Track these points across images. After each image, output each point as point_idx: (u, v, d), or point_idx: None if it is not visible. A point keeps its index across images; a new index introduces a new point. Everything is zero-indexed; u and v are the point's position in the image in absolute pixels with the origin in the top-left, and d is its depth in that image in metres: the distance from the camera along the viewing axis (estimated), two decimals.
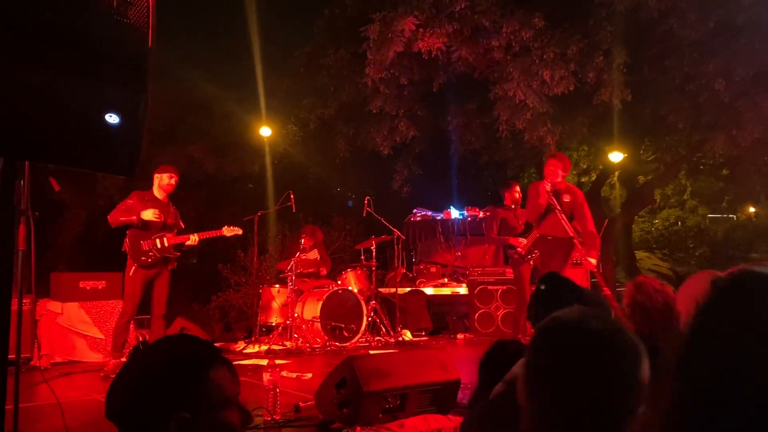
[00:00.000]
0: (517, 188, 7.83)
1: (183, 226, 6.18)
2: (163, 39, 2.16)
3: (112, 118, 2.07)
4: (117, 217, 5.81)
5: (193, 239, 6.03)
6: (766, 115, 9.94)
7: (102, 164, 2.16)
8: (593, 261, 6.22)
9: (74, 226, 11.77)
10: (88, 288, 6.89)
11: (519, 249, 7.21)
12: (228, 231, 6.38)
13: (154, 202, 5.94)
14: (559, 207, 6.16)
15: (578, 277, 8.44)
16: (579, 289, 2.26)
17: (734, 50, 9.52)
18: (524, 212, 7.57)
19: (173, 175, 6.06)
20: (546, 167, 6.52)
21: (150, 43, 2.07)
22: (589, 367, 1.07)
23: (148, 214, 5.81)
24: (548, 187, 6.22)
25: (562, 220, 6.11)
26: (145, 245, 5.80)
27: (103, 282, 6.97)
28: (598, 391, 1.05)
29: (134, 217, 5.78)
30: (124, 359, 5.87)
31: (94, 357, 6.64)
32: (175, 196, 6.24)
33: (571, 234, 6.13)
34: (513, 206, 7.65)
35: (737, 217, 24.37)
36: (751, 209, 23.75)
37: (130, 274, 5.77)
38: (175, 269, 6.12)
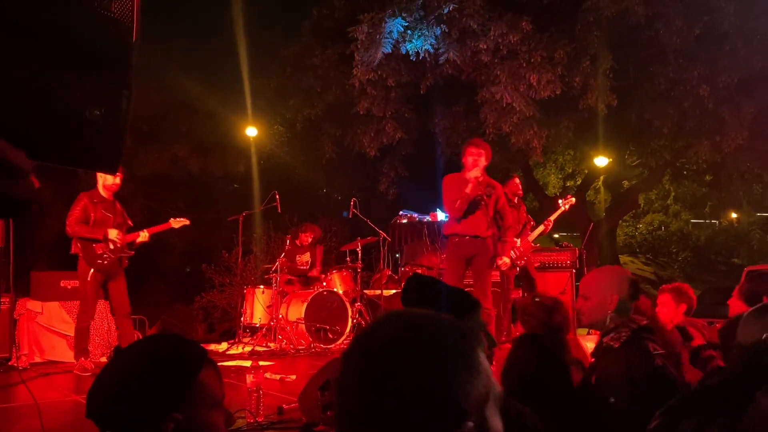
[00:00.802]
0: (516, 180, 7.73)
1: (131, 224, 6.18)
2: (147, 36, 2.12)
3: (93, 114, 2.01)
4: (81, 232, 5.73)
5: (144, 236, 6.05)
6: (750, 121, 10.07)
7: (83, 161, 2.10)
8: (507, 261, 5.84)
9: (55, 224, 11.61)
10: (69, 287, 6.78)
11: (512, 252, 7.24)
12: (175, 222, 6.38)
13: (103, 203, 5.90)
14: (485, 201, 5.46)
15: (563, 281, 8.45)
16: (443, 292, 2.19)
17: (718, 57, 9.64)
18: (523, 210, 7.57)
19: (119, 174, 5.98)
20: (466, 157, 5.53)
21: (134, 38, 2.02)
22: (373, 371, 0.86)
23: (114, 234, 5.81)
24: (478, 173, 5.36)
25: (487, 217, 5.48)
26: (98, 248, 5.78)
27: None
28: (397, 397, 0.83)
29: (100, 236, 5.76)
30: (104, 359, 5.82)
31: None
32: (158, 195, 6.20)
33: (491, 233, 5.53)
34: (515, 201, 7.54)
35: (720, 222, 24.67)
36: (733, 215, 24.07)
37: (88, 278, 5.75)
38: (158, 268, 6.08)
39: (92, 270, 5.76)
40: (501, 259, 5.72)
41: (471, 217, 5.46)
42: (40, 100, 1.91)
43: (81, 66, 1.96)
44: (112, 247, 5.82)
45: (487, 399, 0.87)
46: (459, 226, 5.49)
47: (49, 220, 11.42)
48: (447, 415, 0.83)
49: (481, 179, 5.39)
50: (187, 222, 6.54)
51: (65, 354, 6.53)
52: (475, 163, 5.44)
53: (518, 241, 7.11)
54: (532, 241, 7.42)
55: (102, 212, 5.86)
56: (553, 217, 7.56)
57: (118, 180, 5.95)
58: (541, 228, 7.36)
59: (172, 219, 6.41)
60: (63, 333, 6.60)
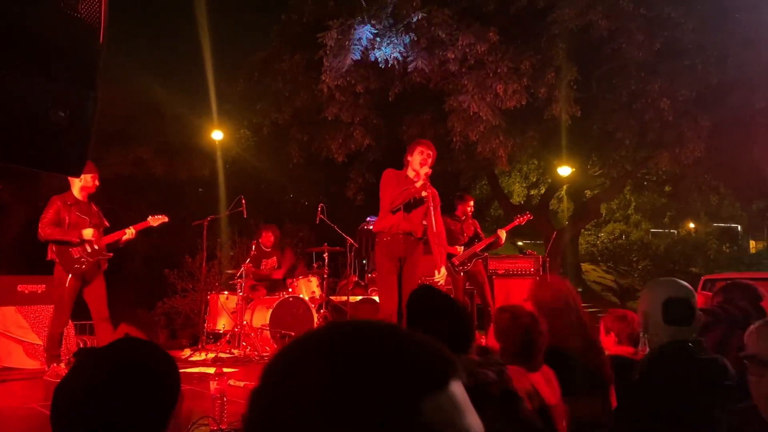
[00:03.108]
0: (471, 202, 7.90)
1: (108, 225, 5.93)
2: (113, 37, 2.09)
3: (59, 116, 1.98)
4: (54, 234, 5.45)
5: (130, 233, 5.84)
6: (707, 135, 10.38)
7: (47, 163, 2.07)
8: (443, 273, 5.28)
9: (14, 226, 11.30)
10: (26, 292, 6.61)
11: (454, 259, 7.46)
12: (153, 220, 6.14)
13: (77, 205, 5.65)
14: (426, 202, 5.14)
15: (526, 287, 8.56)
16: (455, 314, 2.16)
17: (678, 71, 9.94)
18: (472, 225, 7.76)
19: (96, 175, 5.76)
20: (414, 154, 5.13)
21: (101, 39, 2.00)
22: None
23: (89, 234, 5.55)
24: (426, 171, 5.04)
25: (424, 218, 5.15)
26: (75, 252, 5.53)
27: (43, 286, 6.68)
28: None
29: (75, 238, 5.50)
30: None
31: (31, 364, 6.35)
32: (120, 198, 6.03)
33: (423, 235, 5.23)
34: (463, 218, 7.77)
35: (678, 232, 25.31)
36: (691, 225, 24.73)
37: (66, 285, 5.46)
38: (119, 272, 5.92)
39: (70, 276, 5.47)
40: (439, 271, 5.22)
41: (408, 214, 5.09)
42: (1, 101, 1.87)
43: (46, 67, 1.93)
44: (89, 249, 5.56)
45: None
46: (394, 222, 5.07)
47: (7, 223, 11.12)
48: None
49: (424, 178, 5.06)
50: (166, 219, 6.27)
51: (22, 360, 6.36)
52: (425, 161, 5.09)
53: (461, 249, 7.43)
54: (487, 252, 7.76)
55: (76, 215, 5.59)
56: (505, 229, 7.73)
57: (96, 182, 5.73)
58: (492, 239, 7.55)
59: (150, 217, 6.17)
60: (19, 339, 6.42)
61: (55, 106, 1.91)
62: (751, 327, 1.79)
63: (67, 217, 5.57)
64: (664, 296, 2.20)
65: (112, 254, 5.84)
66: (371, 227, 10.97)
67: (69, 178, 5.66)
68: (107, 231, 5.86)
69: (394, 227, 5.07)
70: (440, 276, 5.24)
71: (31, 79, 1.88)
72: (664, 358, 2.14)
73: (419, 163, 5.08)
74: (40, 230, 5.49)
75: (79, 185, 5.70)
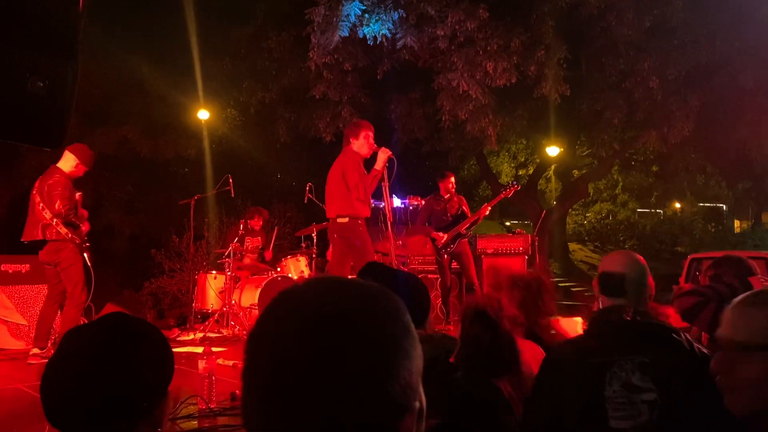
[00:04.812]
0: (452, 178, 7.87)
1: None
2: (97, 13, 2.00)
3: (36, 86, 1.91)
4: (71, 216, 5.35)
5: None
6: (695, 114, 10.39)
7: (26, 135, 2.00)
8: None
9: None
10: (10, 271, 6.51)
11: (438, 242, 7.46)
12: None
13: (72, 185, 5.55)
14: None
15: (516, 266, 8.58)
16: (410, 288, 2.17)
17: (668, 50, 9.91)
18: (457, 202, 7.73)
19: (84, 170, 5.61)
20: (366, 135, 5.33)
21: (81, 6, 1.92)
22: None
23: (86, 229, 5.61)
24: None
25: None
26: (83, 230, 5.55)
27: (27, 266, 6.59)
28: None
29: (79, 225, 5.49)
30: None
31: (16, 344, 6.29)
32: (105, 177, 5.87)
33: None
34: (447, 196, 7.74)
35: (664, 212, 25.48)
36: (677, 205, 24.90)
37: (83, 260, 5.43)
38: (105, 252, 5.83)
39: (80, 252, 5.45)
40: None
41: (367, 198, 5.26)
42: None
43: (23, 35, 1.85)
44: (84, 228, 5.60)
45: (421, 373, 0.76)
46: (364, 208, 5.23)
47: None
48: (396, 400, 0.70)
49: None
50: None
51: (6, 341, 6.29)
52: (373, 144, 5.31)
53: (443, 235, 7.46)
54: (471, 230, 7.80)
55: (74, 195, 5.53)
56: (490, 204, 7.78)
57: (80, 174, 5.60)
58: (476, 217, 7.55)
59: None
60: (4, 319, 6.35)
61: (33, 75, 1.84)
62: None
63: (72, 196, 5.49)
64: (602, 268, 2.32)
65: None
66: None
67: (66, 157, 5.53)
68: None
69: (365, 212, 5.24)
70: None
71: (7, 46, 1.80)
72: (592, 320, 2.24)
73: (369, 147, 5.27)
74: (62, 209, 5.30)
75: (70, 167, 5.51)
